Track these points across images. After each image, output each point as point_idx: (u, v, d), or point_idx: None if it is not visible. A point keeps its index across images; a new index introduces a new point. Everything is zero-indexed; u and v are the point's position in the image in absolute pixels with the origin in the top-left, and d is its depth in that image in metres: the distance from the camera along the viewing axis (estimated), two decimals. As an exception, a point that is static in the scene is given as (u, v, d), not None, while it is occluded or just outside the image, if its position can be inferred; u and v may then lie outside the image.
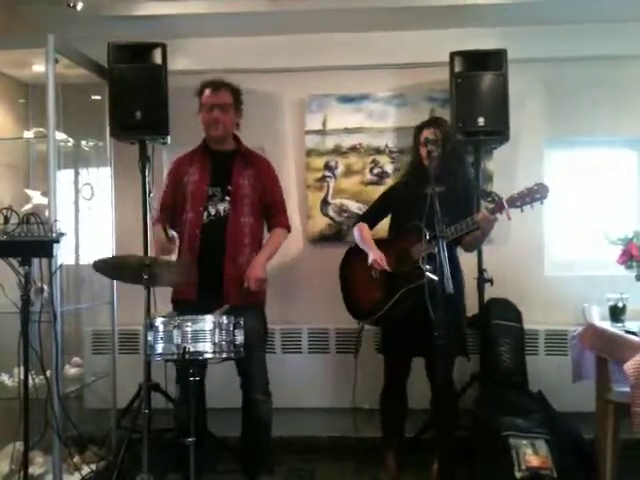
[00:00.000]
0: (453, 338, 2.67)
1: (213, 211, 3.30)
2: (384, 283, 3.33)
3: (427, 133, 3.33)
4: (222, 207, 3.30)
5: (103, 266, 3.04)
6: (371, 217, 3.61)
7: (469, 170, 3.68)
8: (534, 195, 3.00)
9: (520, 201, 3.01)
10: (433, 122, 3.43)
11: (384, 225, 3.60)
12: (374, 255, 3.32)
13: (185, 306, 3.17)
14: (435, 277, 2.91)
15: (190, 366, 2.74)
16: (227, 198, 3.31)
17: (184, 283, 3.22)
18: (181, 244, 3.36)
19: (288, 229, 3.48)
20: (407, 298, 3.22)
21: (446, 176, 3.25)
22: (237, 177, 3.34)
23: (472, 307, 3.75)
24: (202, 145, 3.45)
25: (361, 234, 3.50)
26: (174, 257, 3.31)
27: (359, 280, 3.45)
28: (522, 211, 3.01)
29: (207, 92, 3.35)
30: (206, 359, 2.79)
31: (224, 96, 3.34)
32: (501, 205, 3.04)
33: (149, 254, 3.74)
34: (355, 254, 3.50)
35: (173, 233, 3.30)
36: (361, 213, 3.88)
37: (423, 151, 3.28)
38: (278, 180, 3.51)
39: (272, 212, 3.43)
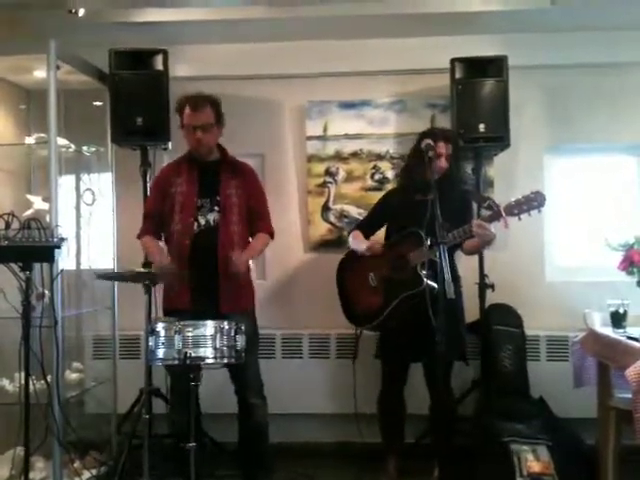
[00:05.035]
0: (452, 343, 2.67)
1: (203, 221, 3.31)
2: (382, 289, 3.33)
3: (441, 147, 3.25)
4: (212, 217, 3.31)
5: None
6: (367, 226, 3.60)
7: (466, 178, 3.66)
8: (531, 203, 2.96)
9: (517, 209, 2.97)
10: (442, 135, 3.32)
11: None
12: (366, 244, 3.35)
13: (180, 316, 3.09)
14: (434, 284, 2.91)
15: (189, 371, 2.74)
16: (216, 208, 3.32)
17: (174, 291, 3.25)
18: (169, 254, 3.36)
19: (271, 235, 3.47)
20: (405, 304, 3.22)
21: (445, 185, 3.16)
22: (225, 188, 3.35)
23: (473, 313, 3.75)
24: (187, 156, 3.42)
25: (355, 238, 3.51)
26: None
27: (356, 286, 3.45)
28: (520, 219, 2.98)
29: (187, 111, 3.28)
30: (206, 364, 2.78)
31: (205, 116, 3.28)
32: (499, 213, 3.00)
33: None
34: (351, 260, 3.51)
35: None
36: (361, 219, 3.88)
37: (435, 163, 3.13)
38: (262, 188, 3.52)
39: (256, 218, 3.43)
